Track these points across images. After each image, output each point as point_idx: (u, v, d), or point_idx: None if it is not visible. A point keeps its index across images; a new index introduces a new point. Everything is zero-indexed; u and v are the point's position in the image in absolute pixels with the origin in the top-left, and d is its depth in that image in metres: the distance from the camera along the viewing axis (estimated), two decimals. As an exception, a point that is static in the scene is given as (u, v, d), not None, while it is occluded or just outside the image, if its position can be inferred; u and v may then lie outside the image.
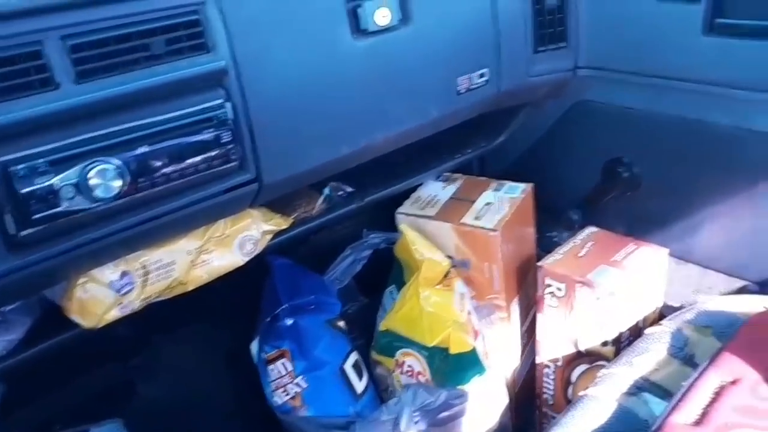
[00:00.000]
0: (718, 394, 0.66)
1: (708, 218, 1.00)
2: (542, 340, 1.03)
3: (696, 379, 0.70)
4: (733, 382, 0.67)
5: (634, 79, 1.00)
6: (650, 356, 0.82)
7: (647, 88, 1.00)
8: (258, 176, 0.75)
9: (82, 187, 0.60)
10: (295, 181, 0.80)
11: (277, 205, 0.91)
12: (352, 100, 0.82)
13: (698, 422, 0.63)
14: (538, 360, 1.06)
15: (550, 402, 1.07)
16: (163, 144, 0.65)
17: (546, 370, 1.05)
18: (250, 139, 0.73)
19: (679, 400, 0.67)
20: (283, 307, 0.92)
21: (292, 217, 0.92)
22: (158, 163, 0.65)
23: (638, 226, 1.06)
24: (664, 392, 0.76)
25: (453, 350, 0.86)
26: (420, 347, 0.89)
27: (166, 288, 0.80)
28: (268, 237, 0.88)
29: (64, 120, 0.60)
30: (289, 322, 0.89)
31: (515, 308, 1.08)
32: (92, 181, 0.60)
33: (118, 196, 0.62)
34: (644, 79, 0.99)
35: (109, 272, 0.75)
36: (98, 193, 0.61)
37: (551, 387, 1.06)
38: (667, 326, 0.86)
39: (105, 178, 0.61)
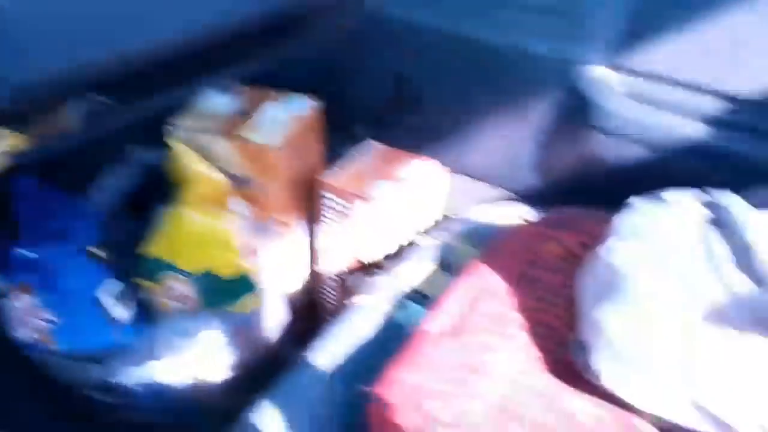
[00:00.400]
0: (468, 303, 0.70)
1: (479, 132, 1.04)
2: (323, 253, 1.04)
3: (451, 289, 0.73)
4: (484, 291, 0.71)
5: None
6: (416, 266, 0.85)
7: (430, 4, 0.99)
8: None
9: None
10: (27, 90, 0.68)
11: (18, 120, 0.78)
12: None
13: (450, 331, 0.67)
14: (321, 271, 1.07)
15: (333, 312, 1.09)
16: None
17: (328, 281, 1.07)
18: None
19: (434, 308, 0.70)
20: (25, 235, 0.80)
21: (36, 134, 0.79)
22: None
23: (419, 141, 1.07)
24: (424, 299, 0.80)
25: (221, 273, 0.82)
26: (184, 272, 0.84)
27: None
28: (3, 158, 0.75)
29: None
30: (31, 252, 0.79)
31: (299, 224, 1.06)
32: None
33: None
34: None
35: None
36: None
37: (333, 298, 1.08)
38: (435, 238, 0.90)
39: None
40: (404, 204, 0.94)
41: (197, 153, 0.93)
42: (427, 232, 1.01)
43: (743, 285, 0.57)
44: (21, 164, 0.78)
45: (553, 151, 0.98)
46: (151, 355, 0.73)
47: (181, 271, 0.83)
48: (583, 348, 0.61)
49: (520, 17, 0.93)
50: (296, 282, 1.09)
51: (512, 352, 0.64)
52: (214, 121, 0.98)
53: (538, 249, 0.78)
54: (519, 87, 0.98)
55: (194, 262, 0.82)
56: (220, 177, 0.91)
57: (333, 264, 1.03)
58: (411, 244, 0.95)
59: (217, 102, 1.03)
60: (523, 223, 0.89)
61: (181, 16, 0.81)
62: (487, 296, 0.71)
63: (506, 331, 0.67)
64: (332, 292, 1.06)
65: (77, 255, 0.82)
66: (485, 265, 0.77)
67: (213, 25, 0.86)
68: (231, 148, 0.95)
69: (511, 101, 0.99)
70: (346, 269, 1.02)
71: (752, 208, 0.64)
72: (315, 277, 1.11)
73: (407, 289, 0.81)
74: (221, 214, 0.86)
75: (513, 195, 1.05)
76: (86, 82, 0.79)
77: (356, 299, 0.79)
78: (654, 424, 0.59)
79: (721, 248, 0.60)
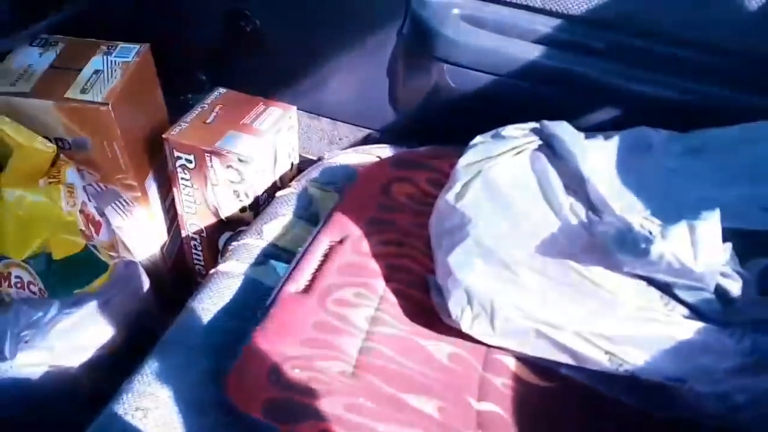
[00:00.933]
0: (326, 257, 0.69)
1: (330, 72, 1.00)
2: (183, 213, 0.98)
3: (310, 243, 0.72)
4: (341, 242, 0.71)
5: None
6: (278, 221, 0.82)
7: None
8: None
9: None
10: None
11: None
12: None
13: (306, 289, 0.65)
14: (183, 234, 1.01)
15: (204, 272, 1.05)
16: None
17: (193, 242, 1.02)
18: None
19: (294, 268, 0.69)
20: None
21: None
22: None
23: (268, 83, 1.02)
24: (291, 256, 0.78)
25: (57, 255, 0.75)
26: (20, 259, 0.76)
27: None
28: None
29: None
30: None
31: (152, 184, 0.99)
32: None
33: None
34: None
35: None
36: None
37: (201, 258, 1.03)
38: (295, 188, 0.87)
39: None
40: (257, 154, 0.90)
41: (15, 120, 0.82)
42: (285, 180, 0.98)
43: (579, 214, 0.60)
44: None
45: (402, 85, 0.96)
46: (2, 356, 0.66)
47: (12, 259, 0.75)
48: (440, 290, 0.62)
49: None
50: (156, 249, 1.03)
51: (370, 302, 0.65)
52: (32, 81, 0.88)
53: (390, 190, 0.78)
54: (362, 21, 0.94)
55: (19, 249, 0.74)
56: (46, 145, 0.82)
57: (194, 224, 0.98)
58: (271, 195, 0.92)
59: (33, 57, 0.91)
60: (370, 165, 0.88)
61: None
62: (343, 247, 0.70)
63: (364, 282, 0.67)
64: (199, 253, 1.02)
65: None
66: (340, 213, 0.75)
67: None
68: (56, 110, 0.86)
69: (357, 36, 0.95)
70: (209, 228, 0.98)
71: (581, 136, 0.66)
72: (179, 240, 1.05)
73: (270, 248, 0.78)
74: (53, 189, 0.78)
75: (373, 133, 1.03)
76: None
77: (221, 266, 0.75)
78: (512, 355, 0.62)
79: (557, 180, 0.62)
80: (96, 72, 0.90)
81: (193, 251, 1.03)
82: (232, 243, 0.81)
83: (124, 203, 0.95)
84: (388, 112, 1.00)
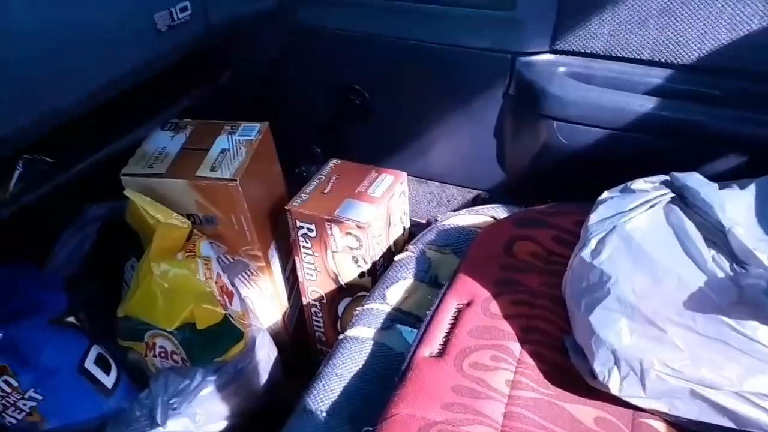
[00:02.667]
0: (456, 319, 0.69)
1: (437, 136, 1.03)
2: (304, 281, 1.02)
3: (437, 306, 0.73)
4: (468, 304, 0.71)
5: (350, 1, 0.97)
6: (400, 285, 0.84)
7: (362, 9, 0.97)
8: None
9: None
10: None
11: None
12: (23, 59, 0.66)
13: (441, 353, 0.66)
14: (304, 301, 1.05)
15: (323, 339, 1.08)
16: None
17: (313, 309, 1.05)
18: None
19: (424, 332, 0.69)
20: (-10, 314, 0.76)
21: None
22: None
23: (378, 151, 1.06)
24: (416, 319, 0.79)
25: (200, 325, 0.79)
26: (165, 329, 0.81)
27: None
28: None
29: None
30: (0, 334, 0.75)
31: (274, 254, 1.04)
32: None
33: None
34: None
35: None
36: None
37: (321, 324, 1.06)
38: (412, 251, 0.89)
39: None
40: (373, 220, 0.93)
41: (154, 199, 0.89)
42: (399, 244, 1.00)
43: (723, 267, 0.58)
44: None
45: (510, 145, 0.98)
46: (154, 423, 0.70)
47: (162, 329, 0.80)
48: (581, 352, 0.61)
49: (454, 12, 0.92)
50: (279, 316, 1.07)
51: (507, 365, 0.64)
52: (166, 163, 0.95)
53: (513, 250, 0.78)
54: (467, 85, 0.97)
55: (169, 320, 0.79)
56: (182, 221, 0.88)
57: (315, 291, 1.01)
58: (388, 259, 0.94)
59: (166, 140, 0.99)
60: (490, 225, 0.88)
61: (108, 65, 0.78)
62: (472, 310, 0.70)
63: (498, 344, 0.66)
64: (319, 320, 1.05)
65: (50, 327, 0.78)
66: (464, 274, 0.76)
67: (138, 71, 0.83)
68: (189, 188, 0.92)
69: (462, 100, 0.98)
70: (329, 295, 1.00)
71: (715, 186, 0.64)
72: (298, 309, 1.09)
73: (395, 312, 0.80)
74: (191, 261, 0.83)
75: (482, 194, 1.04)
76: (24, 144, 0.75)
77: (349, 332, 0.77)
78: (661, 419, 0.59)
79: (695, 232, 0.60)
80: (223, 151, 0.96)
81: (314, 318, 1.06)
82: (357, 308, 0.83)
83: (249, 273, 1.00)
84: (496, 172, 1.01)
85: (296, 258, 1.00)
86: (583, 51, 0.88)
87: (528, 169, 0.97)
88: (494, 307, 0.70)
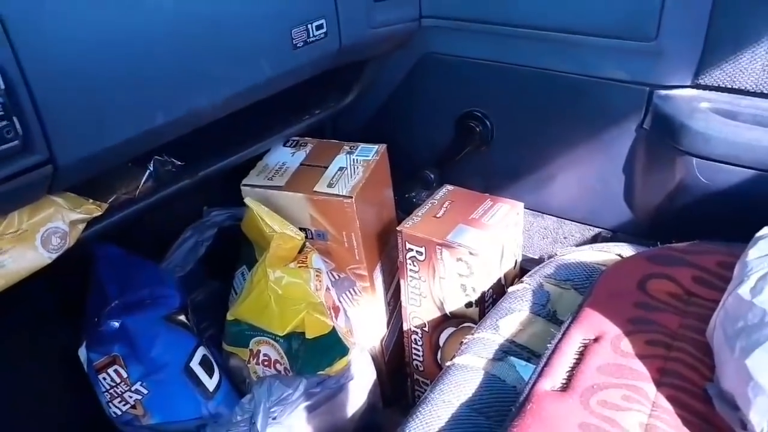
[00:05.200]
0: (582, 354, 0.64)
1: (559, 169, 0.99)
2: (407, 306, 0.99)
3: (560, 340, 0.68)
4: (596, 340, 0.65)
5: (478, 28, 0.96)
6: (514, 317, 0.79)
7: (492, 37, 0.96)
8: (51, 157, 0.61)
9: None
10: (101, 159, 0.67)
11: (90, 187, 0.77)
12: (165, 61, 0.69)
13: (565, 387, 0.61)
14: (405, 327, 1.02)
15: (421, 368, 1.04)
16: None
17: (414, 336, 1.01)
18: (34, 113, 0.58)
19: (545, 365, 0.64)
20: (111, 305, 0.78)
21: (109, 200, 0.78)
22: None
23: (494, 180, 1.03)
24: (530, 354, 0.74)
25: (309, 334, 0.78)
26: (272, 335, 0.80)
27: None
28: (81, 227, 0.74)
29: None
30: (118, 323, 0.77)
31: (378, 276, 1.02)
32: None
33: None
34: (488, 27, 0.95)
35: None
36: None
37: (420, 353, 1.02)
38: (528, 283, 0.84)
39: None
40: (486, 249, 0.89)
41: (271, 210, 0.90)
42: (517, 277, 0.95)
43: None
44: (99, 230, 0.77)
45: (643, 182, 0.92)
46: (253, 429, 0.69)
47: (271, 335, 0.80)
48: (730, 400, 0.54)
49: (590, 42, 0.89)
50: (377, 341, 1.05)
51: (641, 407, 0.58)
52: (285, 177, 0.96)
53: (647, 288, 0.72)
54: (598, 116, 0.93)
55: (281, 326, 0.78)
56: (297, 233, 0.88)
57: (417, 317, 0.98)
58: (497, 292, 0.89)
59: (286, 156, 1.01)
60: (622, 261, 0.83)
61: (245, 74, 0.80)
62: (600, 346, 0.65)
63: (630, 384, 0.60)
64: (419, 348, 1.01)
65: (163, 323, 0.80)
66: (591, 310, 0.70)
67: (270, 83, 0.85)
68: (305, 202, 0.93)
69: (591, 132, 0.94)
70: (431, 323, 0.97)
71: None
72: (397, 332, 1.06)
73: (509, 344, 0.75)
74: (303, 271, 0.83)
75: (603, 232, 0.99)
76: (156, 144, 0.78)
77: (458, 359, 0.73)
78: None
79: None
80: (340, 169, 0.97)
81: (413, 345, 1.02)
82: (467, 336, 0.79)
83: (353, 293, 0.98)
84: (622, 209, 0.95)
85: (401, 281, 0.98)
86: (730, 87, 0.83)
87: (659, 208, 0.91)
88: (626, 345, 0.64)
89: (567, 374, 0.62)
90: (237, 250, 0.96)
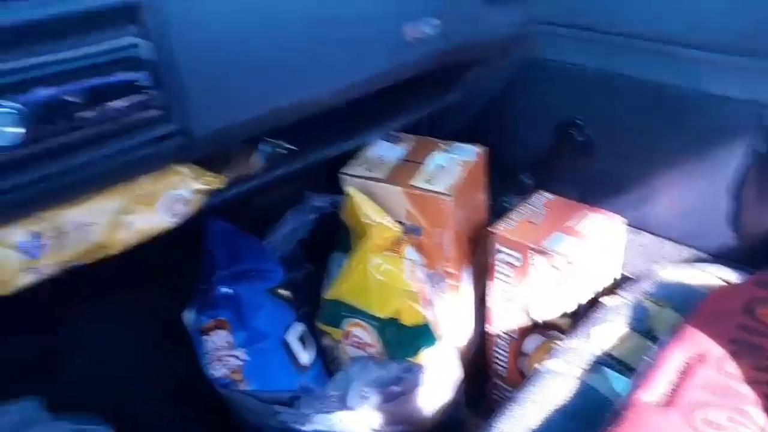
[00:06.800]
0: (684, 372, 0.63)
1: (663, 185, 0.96)
2: (494, 309, 0.99)
3: (660, 355, 0.67)
4: (699, 359, 0.64)
5: (590, 36, 0.95)
6: (609, 328, 0.79)
7: (604, 46, 0.95)
8: (186, 127, 0.65)
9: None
10: (229, 134, 0.71)
11: (209, 163, 0.81)
12: (294, 47, 0.73)
13: (667, 402, 0.60)
14: (489, 330, 1.02)
15: (503, 374, 1.04)
16: (69, 86, 0.55)
17: (498, 340, 1.01)
18: (176, 86, 0.63)
19: (644, 378, 0.64)
20: (221, 274, 0.83)
21: (227, 176, 0.83)
22: (65, 109, 0.56)
23: (591, 191, 1.02)
24: (625, 367, 0.73)
25: (406, 322, 0.80)
26: (370, 318, 0.82)
27: (85, 252, 0.70)
28: (200, 197, 0.78)
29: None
30: (228, 290, 0.81)
31: (466, 276, 1.03)
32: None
33: (20, 145, 0.54)
34: (601, 36, 0.94)
35: (17, 233, 0.64)
36: (-5, 140, 0.51)
37: (503, 358, 1.02)
38: (625, 297, 0.83)
39: (2, 123, 0.51)
40: (584, 260, 0.88)
41: (371, 201, 0.93)
42: (611, 291, 0.94)
43: None
44: (213, 204, 0.81)
45: (750, 206, 0.89)
46: (344, 405, 0.71)
47: (368, 317, 0.82)
48: None
49: (706, 57, 0.86)
50: (462, 339, 1.05)
51: (748, 430, 0.56)
52: (384, 170, 0.99)
53: (755, 313, 0.70)
54: (708, 133, 0.90)
55: (380, 309, 0.80)
56: (395, 225, 0.90)
57: (504, 322, 0.98)
58: (595, 304, 0.88)
59: (386, 150, 1.04)
60: (727, 284, 0.81)
61: (360, 65, 0.83)
62: (704, 365, 0.64)
63: (736, 407, 0.59)
64: (502, 353, 1.01)
65: (267, 295, 0.83)
66: (694, 329, 0.69)
67: (382, 76, 0.88)
68: (402, 196, 0.95)
69: (700, 149, 0.91)
70: (518, 329, 0.97)
71: None
72: (481, 335, 1.06)
73: (602, 355, 0.74)
74: (399, 261, 0.85)
75: (702, 255, 0.96)
76: (271, 128, 0.82)
77: (548, 364, 0.73)
78: None
79: None
80: (439, 167, 0.98)
81: (496, 349, 1.02)
82: (558, 342, 0.79)
83: (442, 289, 0.99)
84: (725, 232, 0.92)
85: (490, 284, 0.98)
86: None
87: (766, 235, 0.87)
88: (731, 367, 0.62)
89: (668, 389, 0.62)
90: (333, 236, 0.99)
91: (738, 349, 0.64)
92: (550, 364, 0.75)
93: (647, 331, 0.77)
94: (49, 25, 0.54)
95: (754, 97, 0.84)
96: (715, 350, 0.65)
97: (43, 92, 0.54)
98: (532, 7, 0.98)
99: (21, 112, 0.53)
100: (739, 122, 0.86)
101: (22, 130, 0.53)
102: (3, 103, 0.52)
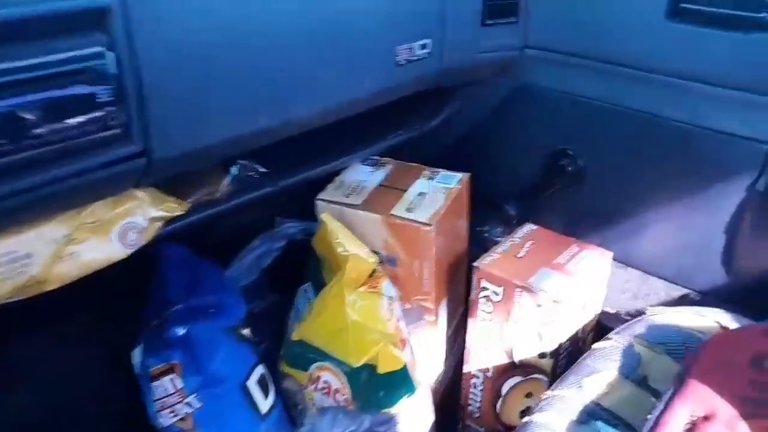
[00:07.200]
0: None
1: (653, 220, 0.93)
2: (473, 348, 0.93)
3: (662, 413, 0.61)
4: (707, 418, 0.59)
5: (585, 64, 0.91)
6: (600, 377, 0.73)
7: (598, 74, 0.91)
8: (147, 149, 0.58)
9: None
10: (195, 157, 0.64)
11: (172, 184, 0.74)
12: (275, 62, 0.66)
13: (674, 469, 0.54)
14: (466, 369, 0.96)
15: (476, 415, 0.98)
16: (19, 99, 0.47)
17: (474, 380, 0.95)
18: (138, 102, 0.55)
19: (648, 437, 0.59)
20: (175, 309, 0.74)
21: (191, 200, 0.75)
22: (13, 124, 0.48)
23: (579, 224, 0.97)
24: (617, 420, 0.68)
25: (382, 369, 0.73)
26: (341, 363, 0.75)
27: (17, 288, 0.61)
28: (158, 224, 0.70)
29: None
30: (182, 329, 0.72)
31: (443, 310, 0.97)
32: None
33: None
34: (596, 64, 0.90)
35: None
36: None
37: (478, 399, 0.96)
38: (617, 341, 0.78)
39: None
40: (571, 297, 0.83)
41: (347, 229, 0.86)
42: (586, 331, 0.89)
43: None
44: (173, 230, 0.73)
45: (747, 246, 0.85)
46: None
47: (338, 362, 0.75)
48: None
49: (708, 91, 0.83)
50: (432, 377, 0.99)
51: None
52: (363, 195, 0.92)
53: (765, 367, 0.65)
54: (704, 170, 0.86)
55: (354, 354, 0.73)
56: (371, 256, 0.84)
57: (482, 361, 0.92)
58: (573, 344, 0.83)
59: (365, 174, 0.97)
60: (725, 330, 0.76)
61: (347, 86, 0.77)
62: (712, 426, 0.59)
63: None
64: (478, 393, 0.95)
65: (226, 335, 0.75)
66: (698, 383, 0.64)
67: (361, 99, 0.82)
68: (381, 225, 0.88)
69: (695, 186, 0.87)
70: (496, 368, 0.91)
71: None
72: (454, 373, 1.00)
73: (594, 406, 0.69)
74: (376, 297, 0.78)
75: (692, 293, 0.92)
76: (250, 148, 0.75)
77: (537, 417, 0.67)
78: None
79: None
80: (420, 194, 0.92)
81: (471, 389, 0.96)
82: (548, 393, 0.73)
83: (421, 325, 0.93)
84: (718, 272, 0.89)
85: (470, 320, 0.92)
86: None
87: (761, 276, 0.84)
88: (744, 429, 0.57)
89: (675, 453, 0.56)
90: (301, 265, 0.91)
91: (752, 409, 0.59)
92: (538, 417, 0.69)
93: (641, 380, 0.72)
94: (3, 28, 0.46)
95: (757, 135, 0.81)
96: (723, 409, 0.60)
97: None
98: (525, 32, 0.94)
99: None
100: (739, 160, 0.83)
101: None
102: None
